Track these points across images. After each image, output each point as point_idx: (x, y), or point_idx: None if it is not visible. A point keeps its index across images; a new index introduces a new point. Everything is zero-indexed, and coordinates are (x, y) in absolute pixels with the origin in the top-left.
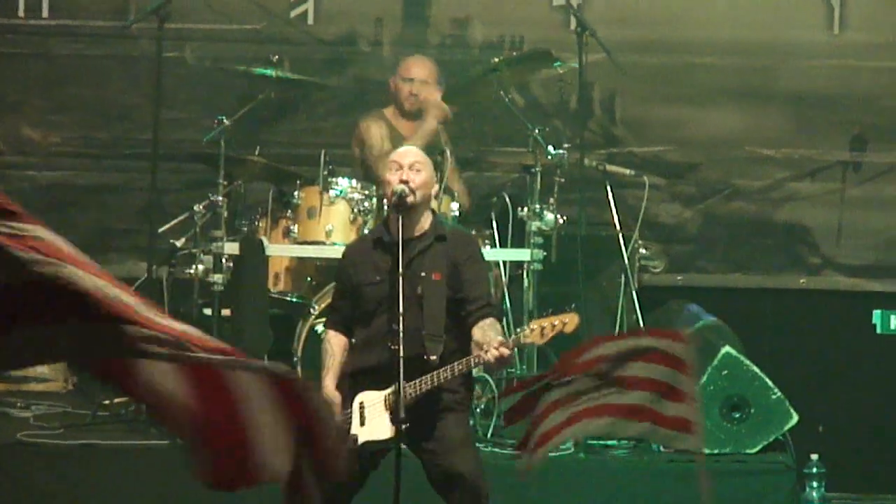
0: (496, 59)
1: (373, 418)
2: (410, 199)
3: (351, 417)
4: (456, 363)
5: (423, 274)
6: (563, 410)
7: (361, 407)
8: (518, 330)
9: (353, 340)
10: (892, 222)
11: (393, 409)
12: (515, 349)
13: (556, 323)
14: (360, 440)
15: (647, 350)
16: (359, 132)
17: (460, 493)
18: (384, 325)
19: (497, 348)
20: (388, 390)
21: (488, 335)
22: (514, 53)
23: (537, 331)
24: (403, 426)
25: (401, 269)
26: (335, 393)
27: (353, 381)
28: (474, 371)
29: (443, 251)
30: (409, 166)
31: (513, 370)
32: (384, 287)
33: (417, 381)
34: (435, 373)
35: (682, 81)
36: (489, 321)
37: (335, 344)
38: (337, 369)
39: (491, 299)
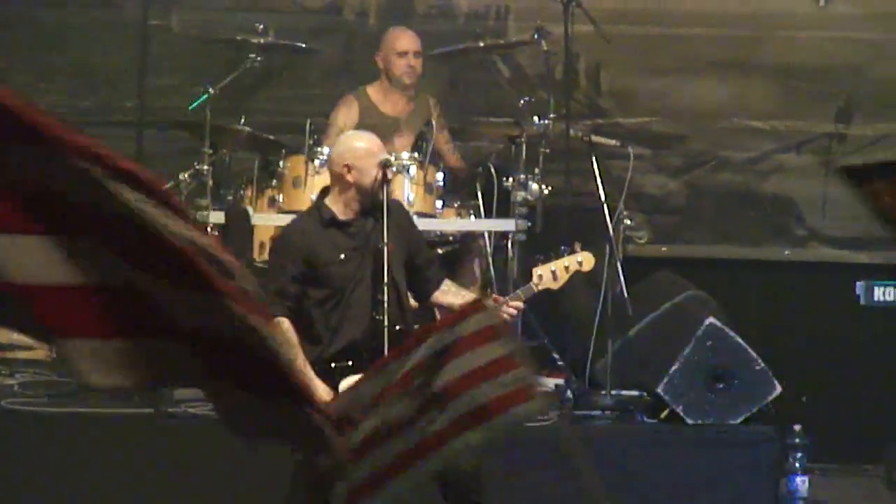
0: (482, 44)
1: None
2: (393, 171)
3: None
4: None
5: (379, 246)
6: (385, 448)
7: None
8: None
9: (308, 326)
10: None
11: None
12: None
13: (569, 264)
14: None
15: (452, 344)
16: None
17: (457, 474)
18: (359, 302)
19: (510, 303)
20: None
21: (462, 293)
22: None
23: (548, 276)
24: None
25: (385, 240)
26: (326, 388)
27: (327, 368)
28: None
29: (391, 220)
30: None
31: None
32: (350, 264)
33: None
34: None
35: (669, 52)
36: (451, 283)
37: (292, 333)
38: (305, 359)
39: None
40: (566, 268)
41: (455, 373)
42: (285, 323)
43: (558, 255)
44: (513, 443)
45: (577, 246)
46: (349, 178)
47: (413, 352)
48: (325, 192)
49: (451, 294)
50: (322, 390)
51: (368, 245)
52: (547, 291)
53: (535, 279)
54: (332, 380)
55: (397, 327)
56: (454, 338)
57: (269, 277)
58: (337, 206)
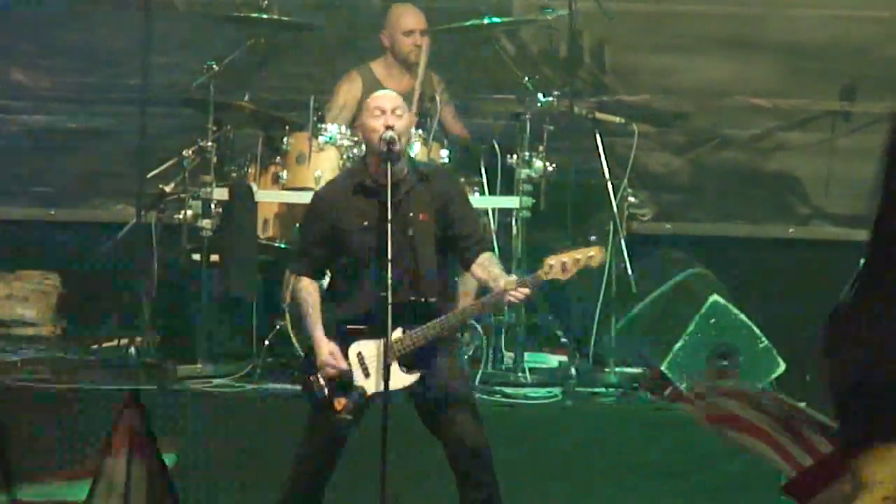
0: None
1: (378, 368)
2: (398, 147)
3: (351, 370)
4: (468, 307)
5: (411, 215)
6: None
7: (360, 358)
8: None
9: (333, 288)
10: None
11: (401, 356)
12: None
13: (580, 257)
14: (370, 391)
15: None
16: (334, 91)
17: (466, 453)
18: (376, 272)
19: (517, 289)
20: (393, 336)
21: (493, 272)
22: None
23: (558, 266)
24: (413, 374)
25: (389, 215)
26: (332, 345)
27: (339, 331)
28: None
29: (427, 191)
30: (392, 111)
31: (501, 317)
32: (372, 233)
33: (426, 326)
34: (444, 318)
35: (672, 30)
36: (487, 256)
37: (312, 291)
38: (320, 318)
39: (483, 233)
40: (577, 261)
41: None
42: (304, 281)
43: (572, 247)
44: (520, 420)
45: (592, 239)
46: (363, 138)
47: None
48: (365, 155)
49: (481, 268)
50: (324, 347)
51: (398, 213)
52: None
53: (545, 268)
54: (342, 342)
55: (420, 299)
56: None
57: (299, 238)
58: (370, 169)
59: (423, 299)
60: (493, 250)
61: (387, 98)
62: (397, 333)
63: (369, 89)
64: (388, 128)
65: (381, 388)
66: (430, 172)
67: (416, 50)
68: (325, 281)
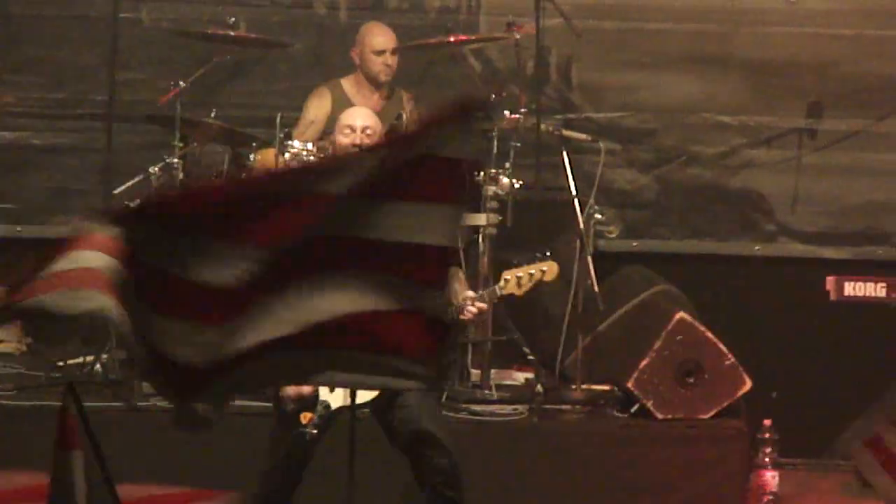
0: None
1: None
2: None
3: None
4: None
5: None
6: None
7: None
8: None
9: None
10: (847, 190)
11: None
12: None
13: (534, 272)
14: (334, 405)
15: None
16: (304, 106)
17: (434, 455)
18: None
19: (473, 305)
20: None
21: (452, 287)
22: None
23: (513, 281)
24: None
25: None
26: None
27: None
28: None
29: None
30: (362, 130)
31: (468, 334)
32: None
33: None
34: None
35: (639, 47)
36: (451, 271)
37: None
38: None
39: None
40: (531, 275)
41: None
42: None
43: (526, 262)
44: (486, 436)
45: (546, 254)
46: (331, 152)
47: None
48: None
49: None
50: None
51: None
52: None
53: (501, 282)
54: None
55: None
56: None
57: None
58: None
59: None
60: (460, 265)
61: (358, 116)
62: None
63: (338, 105)
64: (357, 146)
65: (347, 401)
66: None
67: (386, 69)
68: None
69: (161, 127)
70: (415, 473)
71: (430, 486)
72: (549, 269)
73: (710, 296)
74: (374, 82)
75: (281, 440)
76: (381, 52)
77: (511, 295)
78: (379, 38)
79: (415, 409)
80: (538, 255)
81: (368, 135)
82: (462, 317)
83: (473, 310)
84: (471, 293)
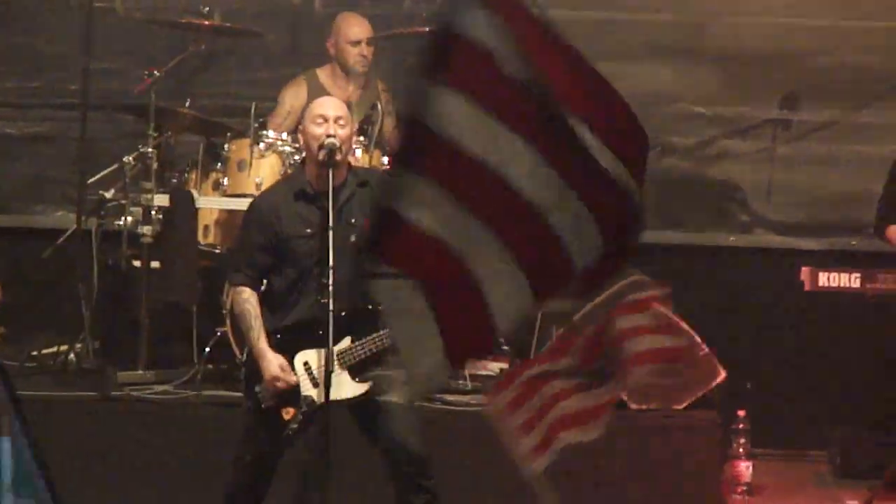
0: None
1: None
2: (339, 156)
3: (298, 380)
4: None
5: (353, 221)
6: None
7: (307, 367)
8: None
9: (272, 297)
10: (822, 181)
11: (353, 365)
12: None
13: None
14: (318, 400)
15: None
16: (280, 96)
17: (406, 458)
18: (319, 279)
19: None
20: (340, 346)
21: None
22: None
23: None
24: (365, 383)
25: (331, 222)
26: (282, 359)
27: (282, 340)
28: None
29: (368, 196)
30: (335, 120)
31: None
32: (315, 240)
33: (378, 334)
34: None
35: (613, 38)
36: None
37: (254, 302)
38: (263, 329)
39: None
40: None
41: (643, 345)
42: (247, 292)
43: None
44: (460, 427)
45: None
46: (304, 144)
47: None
48: (305, 160)
49: None
50: (274, 362)
51: (339, 220)
52: None
53: None
54: (287, 351)
55: (367, 306)
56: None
57: (238, 246)
58: (309, 176)
59: (368, 306)
60: None
61: (330, 106)
62: (346, 342)
63: (315, 96)
64: (330, 136)
65: (336, 396)
66: (370, 177)
67: (361, 60)
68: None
69: (135, 116)
70: (391, 472)
71: (405, 476)
72: None
73: (685, 286)
74: (349, 73)
75: (256, 436)
76: (356, 43)
77: None
78: (354, 28)
79: (399, 418)
80: None
81: (341, 125)
82: None
83: None
84: None
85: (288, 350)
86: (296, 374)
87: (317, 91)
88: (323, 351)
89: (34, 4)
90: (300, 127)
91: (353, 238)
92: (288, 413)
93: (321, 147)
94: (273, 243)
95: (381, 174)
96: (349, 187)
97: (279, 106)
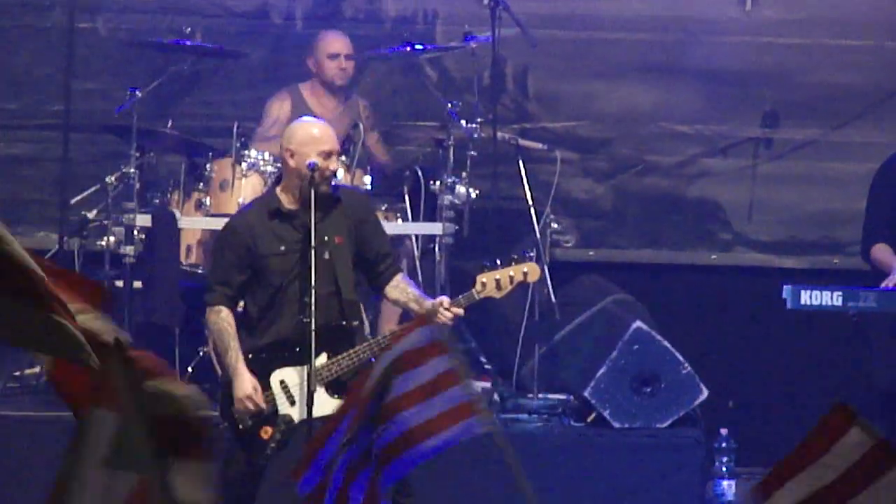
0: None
1: (304, 395)
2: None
3: (274, 398)
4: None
5: (326, 239)
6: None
7: (284, 386)
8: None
9: (248, 316)
10: (803, 199)
11: (329, 381)
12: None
13: (514, 273)
14: (296, 419)
15: (399, 359)
16: (265, 108)
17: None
18: (295, 297)
19: (448, 310)
20: (317, 363)
21: (412, 293)
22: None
23: (491, 284)
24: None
25: (313, 242)
26: (255, 381)
27: (258, 359)
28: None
29: (340, 213)
30: (329, 153)
31: None
32: (291, 258)
33: (354, 350)
34: (373, 341)
35: (595, 56)
36: (399, 277)
37: (231, 322)
38: (240, 349)
39: (393, 252)
40: (511, 277)
41: (403, 389)
42: (223, 311)
43: (505, 264)
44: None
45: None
46: (290, 163)
47: (371, 378)
48: (279, 179)
49: (398, 290)
50: (247, 382)
51: (315, 237)
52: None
53: (478, 286)
54: (263, 371)
55: (341, 323)
56: (401, 352)
57: (213, 265)
58: (285, 195)
59: (342, 323)
60: (402, 271)
61: (329, 140)
62: (322, 359)
63: (298, 110)
64: (331, 170)
65: (315, 413)
66: (342, 194)
67: (340, 73)
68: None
69: (117, 137)
70: None
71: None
72: (530, 270)
73: (667, 305)
74: (330, 87)
75: (234, 457)
76: (335, 56)
77: (489, 298)
78: (334, 42)
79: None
80: (515, 255)
81: (335, 159)
82: (438, 321)
83: (449, 315)
84: (446, 298)
85: (264, 369)
86: (272, 392)
87: (299, 105)
88: (299, 369)
89: (15, 25)
90: (287, 147)
91: (328, 256)
92: (266, 433)
93: (322, 176)
94: (248, 262)
95: (351, 190)
96: (322, 204)
97: (265, 117)
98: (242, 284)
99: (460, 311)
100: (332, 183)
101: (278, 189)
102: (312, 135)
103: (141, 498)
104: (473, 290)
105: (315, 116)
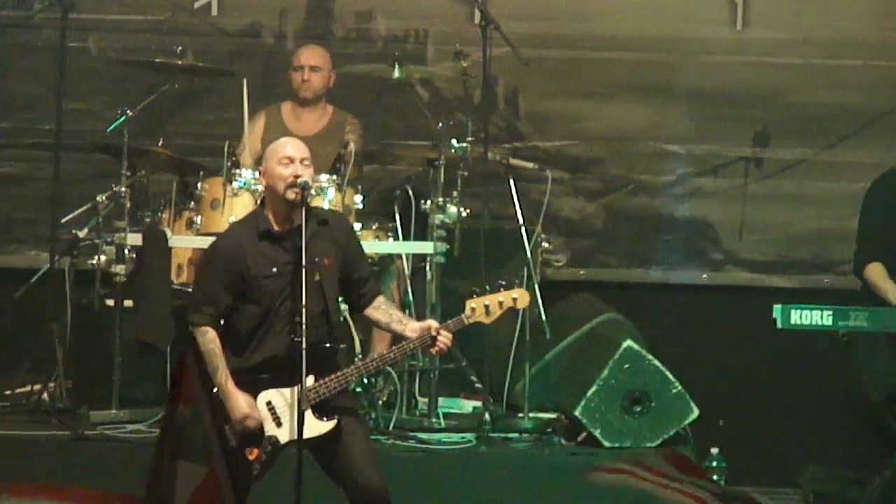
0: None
1: (291, 416)
2: (310, 194)
3: (260, 419)
4: (389, 352)
5: (316, 260)
6: None
7: (270, 407)
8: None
9: (233, 337)
10: (793, 218)
11: (316, 403)
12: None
13: (503, 299)
14: (283, 440)
15: None
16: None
17: (369, 495)
18: (285, 318)
19: (438, 334)
20: (309, 384)
21: (395, 314)
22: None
23: (480, 309)
24: (330, 421)
25: (303, 261)
26: (249, 398)
27: (244, 380)
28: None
29: (327, 234)
30: (300, 161)
31: (415, 363)
32: (281, 279)
33: (343, 371)
34: (362, 363)
35: (586, 76)
36: (382, 299)
37: (218, 344)
38: (227, 369)
39: (373, 276)
40: (500, 303)
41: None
42: (210, 332)
43: (494, 289)
44: (432, 464)
45: (516, 281)
46: (264, 182)
47: None
48: (265, 200)
49: (380, 311)
50: (242, 401)
51: (305, 259)
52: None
53: (467, 311)
54: (249, 391)
55: (329, 344)
56: None
57: (199, 286)
58: (272, 216)
59: (329, 344)
60: (382, 293)
61: (294, 147)
62: (310, 381)
63: (271, 127)
64: (298, 176)
65: (295, 436)
66: (327, 216)
67: (303, 85)
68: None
69: (109, 156)
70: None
71: None
72: (520, 297)
73: (658, 324)
74: (302, 102)
75: None
76: (299, 68)
77: (478, 324)
78: (300, 54)
79: (361, 454)
80: (502, 282)
81: (306, 165)
82: (433, 350)
83: (445, 341)
84: (434, 323)
85: (251, 390)
86: (260, 414)
87: (274, 123)
88: (286, 390)
89: (5, 44)
90: (263, 168)
91: (317, 277)
92: (252, 453)
93: (291, 186)
94: (237, 283)
95: (334, 212)
96: (310, 227)
97: (244, 136)
98: (228, 305)
99: (449, 335)
100: (306, 191)
101: (265, 210)
102: (274, 147)
103: (209, 489)
104: (463, 315)
105: (290, 134)
